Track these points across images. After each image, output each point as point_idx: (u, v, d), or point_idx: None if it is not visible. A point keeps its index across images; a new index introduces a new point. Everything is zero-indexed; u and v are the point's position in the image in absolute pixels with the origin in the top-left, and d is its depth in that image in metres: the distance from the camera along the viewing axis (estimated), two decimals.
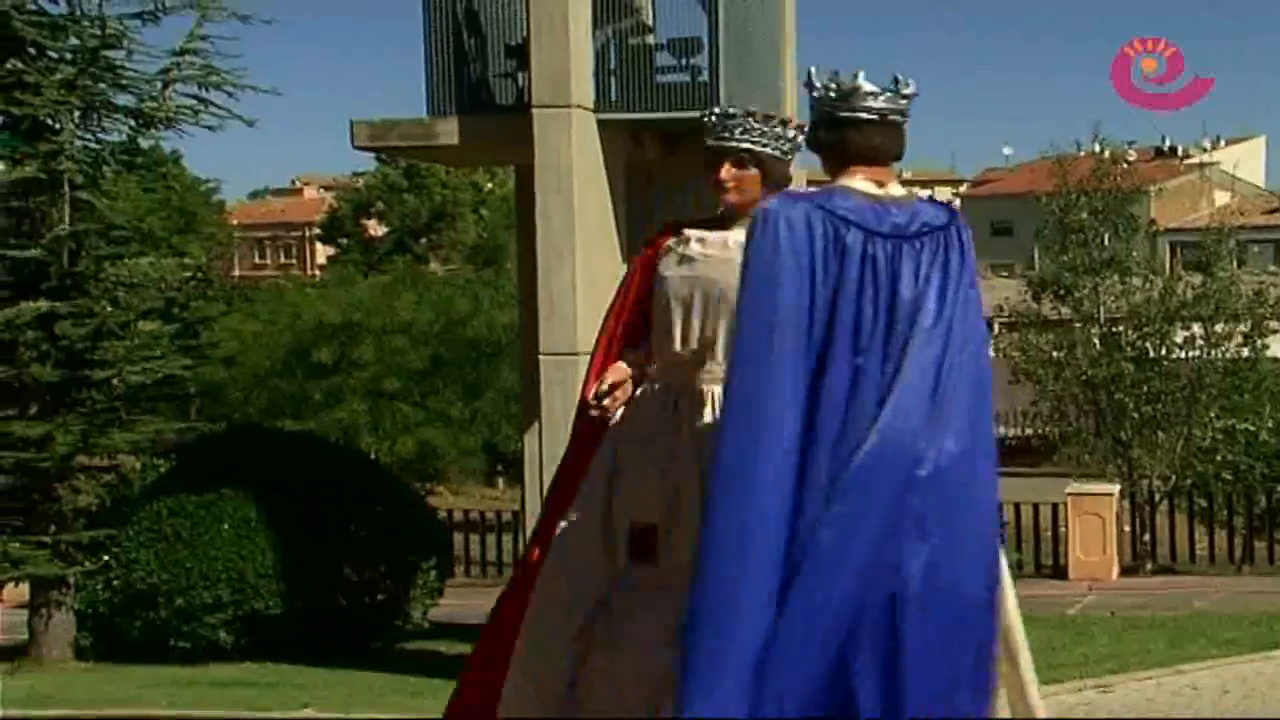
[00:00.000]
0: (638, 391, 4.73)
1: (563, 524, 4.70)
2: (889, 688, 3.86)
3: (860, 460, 3.94)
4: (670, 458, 4.60)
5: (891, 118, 4.29)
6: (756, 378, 4.02)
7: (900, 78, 4.30)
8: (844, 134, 4.28)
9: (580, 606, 4.61)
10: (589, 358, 4.86)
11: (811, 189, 4.37)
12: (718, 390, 4.49)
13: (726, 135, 4.68)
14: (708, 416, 4.57)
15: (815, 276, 4.10)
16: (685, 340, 4.65)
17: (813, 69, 4.33)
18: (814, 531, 3.91)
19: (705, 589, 3.93)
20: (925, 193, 4.58)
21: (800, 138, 4.69)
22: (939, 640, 3.88)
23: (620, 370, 4.72)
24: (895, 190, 4.26)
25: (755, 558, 3.90)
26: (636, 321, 4.79)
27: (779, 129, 4.71)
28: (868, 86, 4.26)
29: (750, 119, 4.71)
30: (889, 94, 4.28)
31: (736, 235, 4.60)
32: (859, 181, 4.26)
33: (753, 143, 4.68)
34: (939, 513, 3.95)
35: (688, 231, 4.78)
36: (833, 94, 4.27)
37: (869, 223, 4.19)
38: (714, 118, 4.75)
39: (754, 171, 4.66)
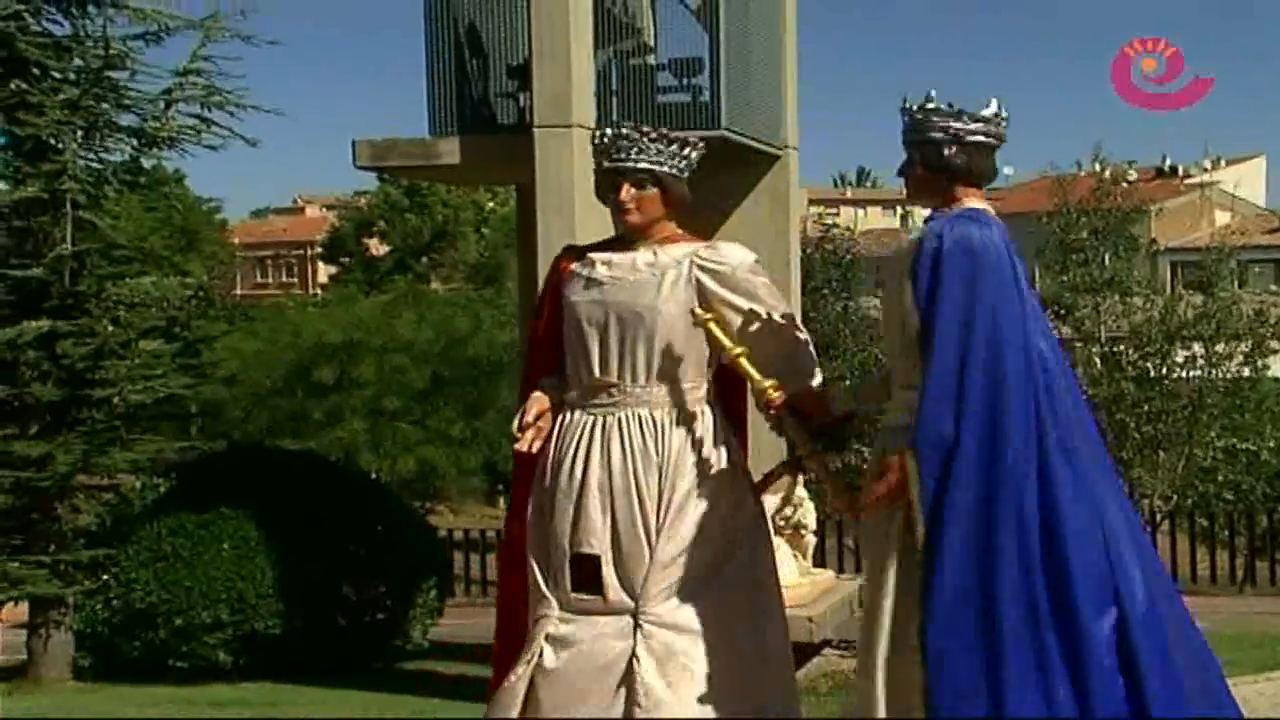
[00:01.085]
0: (562, 419, 4.71)
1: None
2: None
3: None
4: (600, 488, 4.57)
5: (1000, 143, 4.55)
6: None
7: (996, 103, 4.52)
8: (973, 157, 4.45)
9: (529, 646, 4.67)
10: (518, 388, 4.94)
11: (972, 209, 4.48)
12: (647, 414, 4.56)
13: (623, 156, 4.64)
14: (640, 441, 4.57)
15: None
16: (604, 365, 4.62)
17: (932, 92, 4.46)
18: None
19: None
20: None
21: (696, 155, 4.72)
22: None
23: (540, 401, 4.71)
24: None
25: None
26: (551, 349, 4.78)
27: (675, 148, 4.68)
28: (999, 111, 4.49)
29: (646, 138, 4.66)
30: (999, 119, 4.51)
31: (644, 256, 4.64)
32: (982, 203, 4.49)
33: (651, 162, 4.63)
34: None
35: (591, 255, 4.74)
36: (966, 118, 4.45)
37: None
38: (608, 138, 4.70)
39: (653, 191, 4.64)
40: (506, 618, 4.93)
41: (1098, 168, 23.83)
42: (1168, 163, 55.72)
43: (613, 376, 4.60)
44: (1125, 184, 24.21)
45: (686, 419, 4.61)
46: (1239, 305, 22.13)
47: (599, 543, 4.54)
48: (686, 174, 4.73)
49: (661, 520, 4.54)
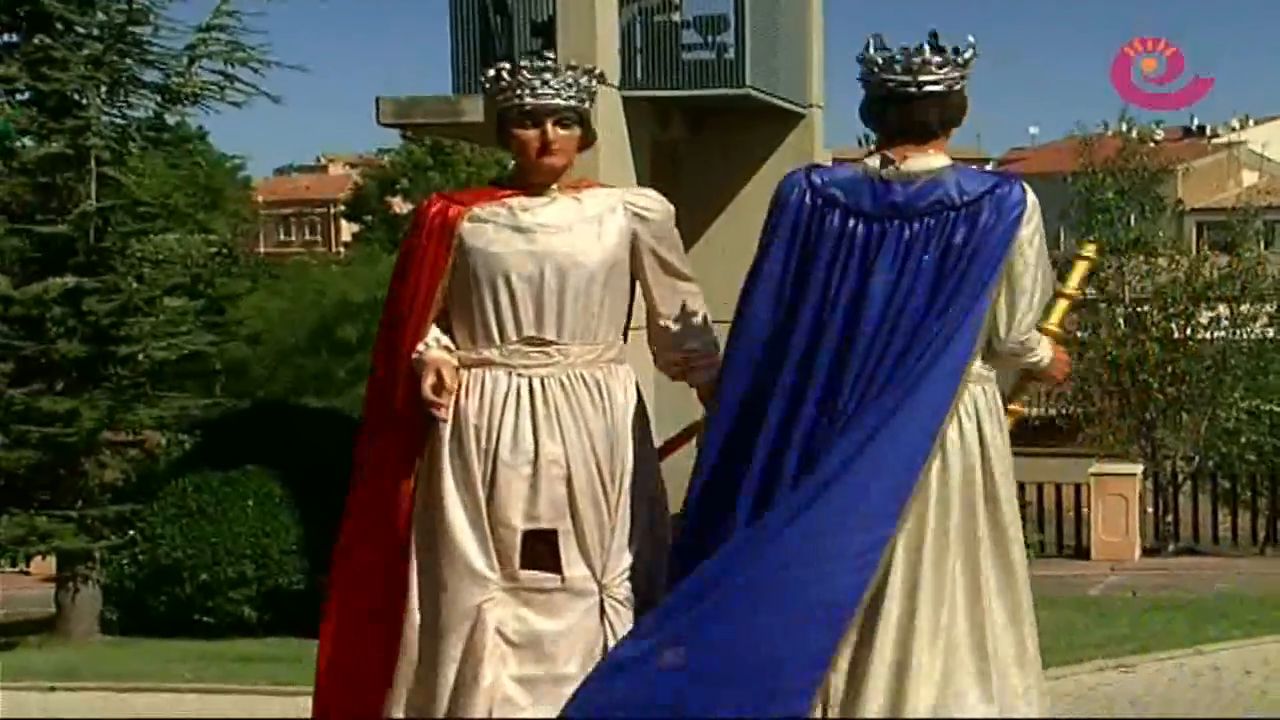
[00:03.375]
0: (471, 382, 4.19)
1: (434, 527, 4.20)
2: None
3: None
4: (556, 459, 4.15)
5: (955, 88, 4.05)
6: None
7: (959, 46, 4.04)
8: (889, 108, 4.05)
9: (463, 624, 4.14)
10: (384, 346, 4.35)
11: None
12: (589, 374, 4.20)
13: (548, 92, 4.17)
14: (590, 405, 4.20)
15: (795, 254, 4.05)
16: (539, 321, 4.18)
17: (871, 38, 4.05)
18: None
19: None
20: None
21: (596, 86, 4.28)
22: None
23: (447, 362, 4.18)
24: (931, 163, 4.04)
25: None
26: (431, 304, 4.24)
27: (585, 79, 4.25)
28: (929, 57, 4.00)
29: (565, 71, 4.22)
30: (949, 64, 4.03)
31: (569, 203, 4.24)
32: (874, 158, 4.08)
33: (575, 99, 4.21)
34: None
35: (501, 200, 4.24)
36: (896, 66, 4.01)
37: (858, 202, 4.03)
38: (526, 73, 4.19)
39: (576, 131, 4.22)
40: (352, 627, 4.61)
41: (1125, 128, 23.67)
42: (1195, 122, 55.35)
43: (549, 333, 4.17)
44: (1152, 144, 24.01)
45: (622, 377, 4.28)
46: (1265, 266, 21.99)
47: (560, 517, 4.15)
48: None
49: (617, 489, 4.20)
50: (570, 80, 4.19)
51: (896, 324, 3.91)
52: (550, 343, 4.17)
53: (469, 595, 4.12)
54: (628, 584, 4.20)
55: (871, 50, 4.02)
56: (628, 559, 4.21)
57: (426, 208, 4.30)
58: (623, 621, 4.14)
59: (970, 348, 3.94)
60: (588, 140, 4.27)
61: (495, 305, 4.17)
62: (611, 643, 4.08)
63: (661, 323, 4.38)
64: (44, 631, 12.54)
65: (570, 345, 4.18)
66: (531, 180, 4.24)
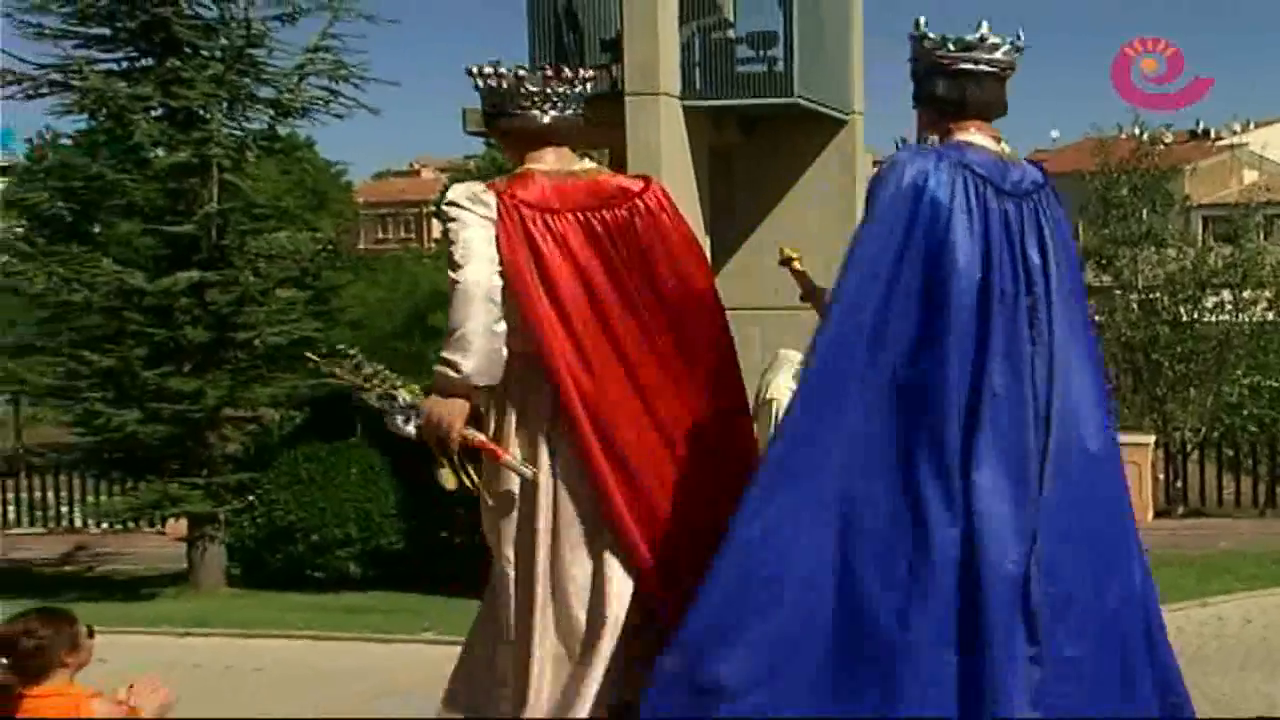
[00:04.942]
0: None
1: None
2: None
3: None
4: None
5: (1007, 72, 3.71)
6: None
7: (1020, 33, 3.70)
8: (965, 87, 3.66)
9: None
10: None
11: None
12: None
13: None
14: None
15: (969, 237, 3.54)
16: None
17: (922, 19, 3.72)
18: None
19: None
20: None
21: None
22: None
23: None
24: (1006, 146, 3.73)
25: None
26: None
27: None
28: (994, 38, 3.66)
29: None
30: (1008, 47, 3.69)
31: None
32: (980, 137, 3.69)
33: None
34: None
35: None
36: (952, 45, 3.65)
37: (998, 180, 3.62)
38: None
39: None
40: None
41: (1137, 131, 23.39)
42: (1201, 126, 54.59)
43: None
44: (1162, 146, 23.70)
45: None
46: (1264, 256, 21.70)
47: None
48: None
49: None
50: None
51: (1052, 292, 3.60)
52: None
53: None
54: None
55: (924, 29, 3.70)
56: None
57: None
58: None
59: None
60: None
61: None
62: None
63: None
64: (177, 584, 12.69)
65: None
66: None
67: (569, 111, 4.09)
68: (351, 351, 4.18)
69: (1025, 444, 3.44)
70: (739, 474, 3.73)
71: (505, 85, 4.07)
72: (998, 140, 3.69)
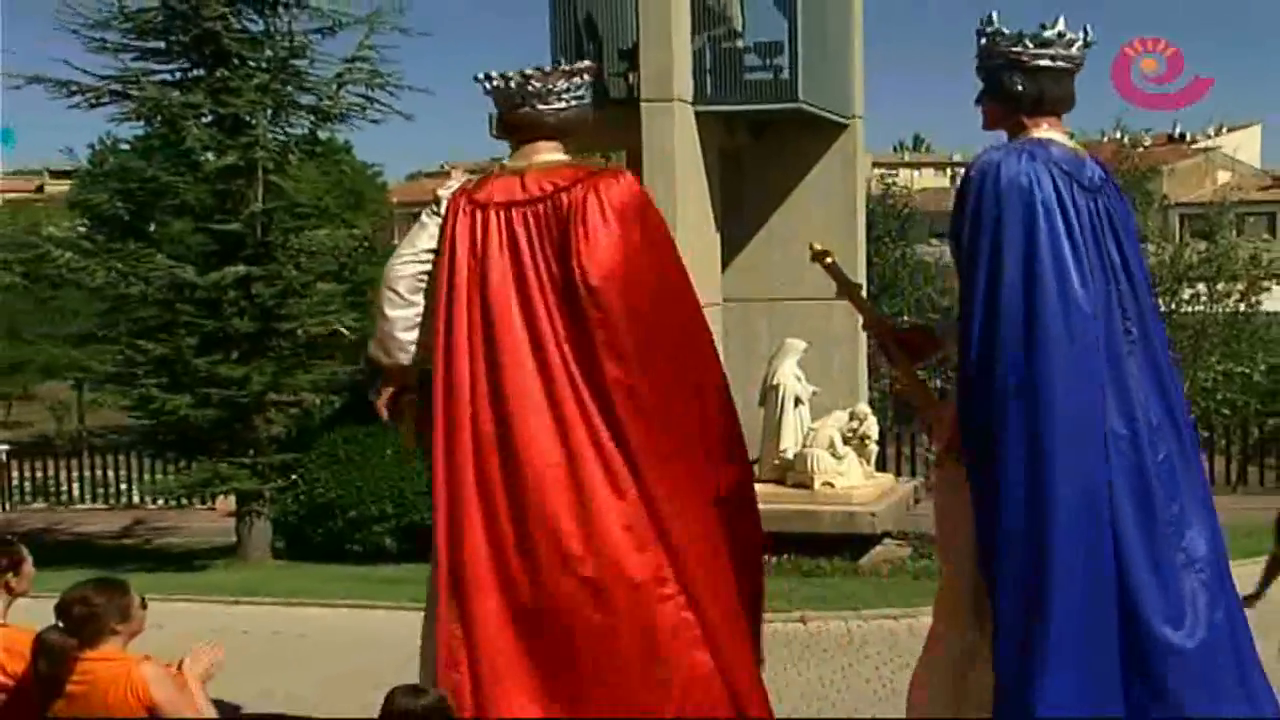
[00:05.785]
0: None
1: None
2: None
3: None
4: None
5: (1079, 67, 3.56)
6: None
7: (1087, 28, 3.53)
8: (1042, 82, 3.49)
9: None
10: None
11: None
12: None
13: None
14: None
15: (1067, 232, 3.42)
16: None
17: (994, 14, 3.54)
18: None
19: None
20: None
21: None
22: None
23: None
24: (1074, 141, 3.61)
25: None
26: None
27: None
28: (1069, 34, 3.49)
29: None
30: (1081, 43, 3.53)
31: None
32: (1056, 133, 3.56)
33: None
34: None
35: None
36: (1029, 41, 3.48)
37: (1079, 176, 3.49)
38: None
39: None
40: None
41: (1118, 134, 23.34)
42: (1178, 130, 54.33)
43: None
44: (1141, 148, 23.63)
45: None
46: (1237, 251, 21.69)
47: None
48: None
49: None
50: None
51: (1137, 285, 3.56)
52: None
53: None
54: None
55: (996, 24, 3.53)
56: None
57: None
58: None
59: None
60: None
61: None
62: None
63: None
64: (227, 557, 12.72)
65: None
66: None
67: (567, 106, 4.11)
68: None
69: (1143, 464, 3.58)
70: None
71: (513, 85, 4.12)
72: (1071, 136, 3.60)
